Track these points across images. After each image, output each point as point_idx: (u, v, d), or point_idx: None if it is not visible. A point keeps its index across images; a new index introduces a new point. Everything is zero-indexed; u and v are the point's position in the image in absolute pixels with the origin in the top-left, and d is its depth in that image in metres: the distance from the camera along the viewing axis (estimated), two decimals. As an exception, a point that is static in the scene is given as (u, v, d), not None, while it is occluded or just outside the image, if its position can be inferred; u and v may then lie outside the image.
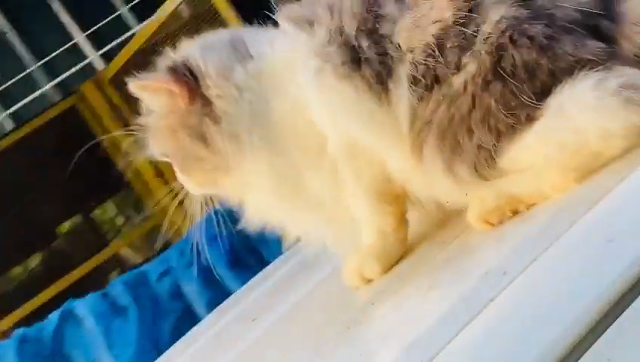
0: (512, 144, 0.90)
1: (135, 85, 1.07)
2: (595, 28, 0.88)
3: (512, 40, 0.89)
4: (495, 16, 0.90)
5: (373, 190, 1.06)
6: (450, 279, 0.92)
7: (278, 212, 1.11)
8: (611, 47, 0.87)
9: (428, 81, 0.94)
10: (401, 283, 1.00)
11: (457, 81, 0.92)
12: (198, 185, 1.12)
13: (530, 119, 0.88)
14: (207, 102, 1.06)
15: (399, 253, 1.08)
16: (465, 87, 0.91)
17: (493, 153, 0.91)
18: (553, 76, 0.88)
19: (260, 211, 1.12)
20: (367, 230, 1.08)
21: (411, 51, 0.95)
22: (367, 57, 0.98)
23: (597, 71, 0.85)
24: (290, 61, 1.04)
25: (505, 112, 0.89)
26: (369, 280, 1.08)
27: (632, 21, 0.88)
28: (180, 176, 1.12)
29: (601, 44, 0.87)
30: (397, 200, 1.06)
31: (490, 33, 0.90)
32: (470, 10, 0.92)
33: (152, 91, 1.08)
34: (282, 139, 1.05)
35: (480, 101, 0.90)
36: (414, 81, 0.95)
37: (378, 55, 0.97)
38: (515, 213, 0.92)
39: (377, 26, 0.98)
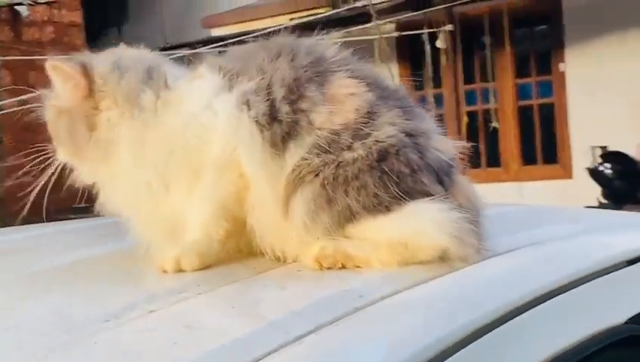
0: (368, 218, 1.20)
1: (51, 64, 1.28)
2: (441, 178, 1.26)
3: (396, 153, 1.23)
4: (389, 132, 1.24)
5: (221, 203, 1.27)
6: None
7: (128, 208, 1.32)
8: (447, 196, 1.25)
9: (325, 149, 1.24)
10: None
11: (349, 155, 1.23)
12: (66, 155, 1.32)
13: (388, 208, 1.21)
14: (99, 103, 1.28)
15: (215, 260, 1.27)
16: (354, 161, 1.22)
17: (353, 217, 1.20)
18: (410, 190, 1.22)
19: (111, 201, 1.33)
20: (197, 228, 1.27)
21: (320, 129, 1.25)
22: (282, 120, 1.26)
23: (446, 202, 1.22)
24: (203, 95, 1.29)
25: (375, 192, 1.20)
26: (181, 270, 1.23)
27: (458, 188, 1.28)
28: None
29: (443, 190, 1.25)
30: (234, 221, 1.28)
31: (382, 140, 1.23)
32: (368, 119, 1.25)
33: (61, 74, 1.29)
34: (165, 152, 1.27)
35: (362, 175, 1.21)
36: (315, 146, 1.24)
37: (292, 122, 1.25)
38: (344, 266, 1.20)
39: (299, 101, 1.27)
